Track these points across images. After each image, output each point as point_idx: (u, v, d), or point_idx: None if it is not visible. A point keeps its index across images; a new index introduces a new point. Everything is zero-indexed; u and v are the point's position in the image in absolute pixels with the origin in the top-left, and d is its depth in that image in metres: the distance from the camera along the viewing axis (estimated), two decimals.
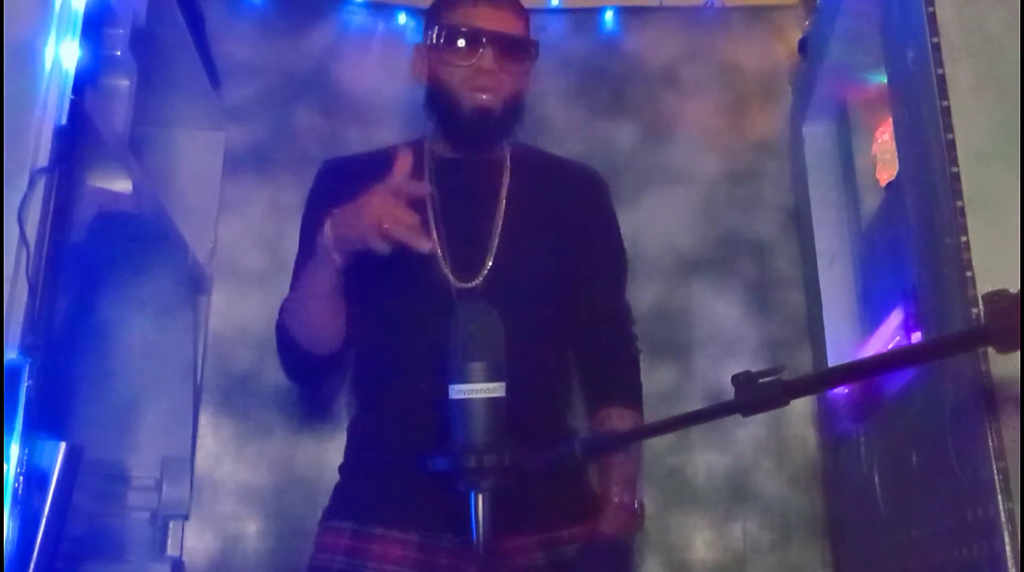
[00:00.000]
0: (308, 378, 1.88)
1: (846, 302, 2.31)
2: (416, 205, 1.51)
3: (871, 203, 2.20)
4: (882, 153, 2.15)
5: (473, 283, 1.65)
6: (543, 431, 1.55)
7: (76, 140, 1.50)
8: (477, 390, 1.14)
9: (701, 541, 2.46)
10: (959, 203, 1.44)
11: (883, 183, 2.12)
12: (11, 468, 1.30)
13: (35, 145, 1.44)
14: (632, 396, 1.76)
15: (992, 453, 1.34)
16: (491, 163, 1.77)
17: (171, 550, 2.34)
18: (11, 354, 1.35)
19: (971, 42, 1.51)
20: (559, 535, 1.61)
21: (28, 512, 1.31)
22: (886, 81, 1.89)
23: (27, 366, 1.35)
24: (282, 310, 1.69)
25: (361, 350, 1.71)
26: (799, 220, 2.60)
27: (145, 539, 2.29)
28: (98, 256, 1.84)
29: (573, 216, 1.77)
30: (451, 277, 1.65)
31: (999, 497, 1.31)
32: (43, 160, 1.44)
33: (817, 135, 2.47)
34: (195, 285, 2.41)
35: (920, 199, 1.63)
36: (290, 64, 2.71)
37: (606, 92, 2.76)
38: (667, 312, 2.58)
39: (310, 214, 1.72)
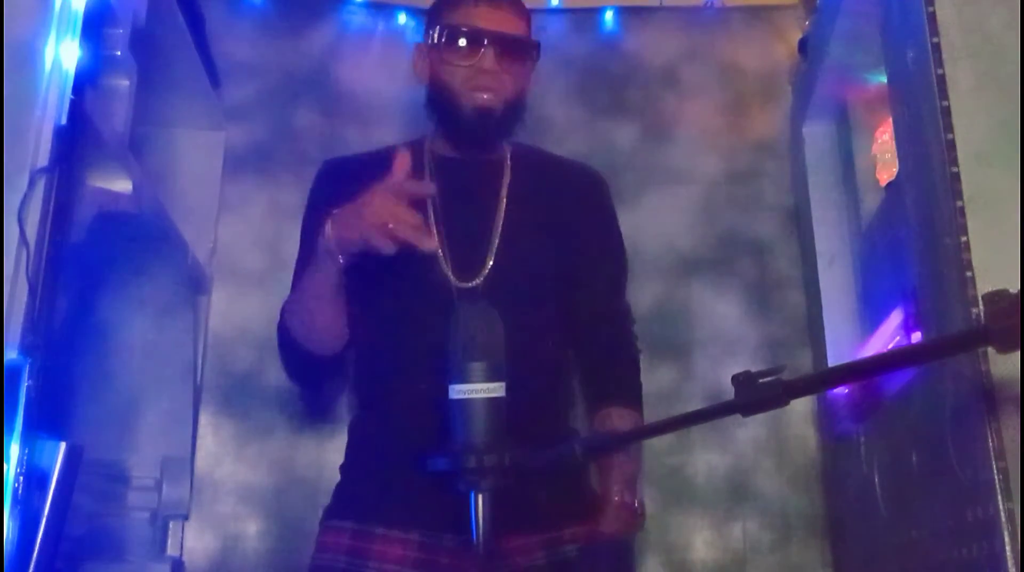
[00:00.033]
0: (310, 379, 1.88)
1: (846, 302, 2.31)
2: (417, 205, 1.50)
3: (871, 203, 2.20)
4: (882, 153, 2.15)
5: (473, 283, 1.65)
6: (543, 431, 1.55)
7: (76, 140, 1.50)
8: (477, 390, 1.14)
9: (701, 541, 2.46)
10: (959, 203, 1.44)
11: (883, 183, 2.12)
12: (11, 468, 1.30)
13: (35, 145, 1.44)
14: (632, 396, 1.75)
15: (992, 453, 1.34)
16: (491, 163, 1.77)
17: (171, 550, 2.34)
18: (11, 354, 1.35)
19: (971, 42, 1.51)
20: (560, 535, 1.61)
21: (28, 512, 1.31)
22: (886, 81, 1.89)
23: (27, 366, 1.35)
24: (283, 311, 1.69)
25: (361, 350, 1.71)
26: (799, 220, 2.60)
27: (145, 539, 2.29)
28: (98, 256, 1.84)
29: (573, 216, 1.77)
30: (451, 277, 1.64)
31: (999, 497, 1.31)
32: (43, 160, 1.44)
33: (817, 135, 2.47)
34: (195, 285, 2.41)
35: (920, 199, 1.63)
36: (290, 64, 2.72)
37: (606, 92, 2.76)
38: (667, 312, 2.58)
39: (310, 214, 1.72)
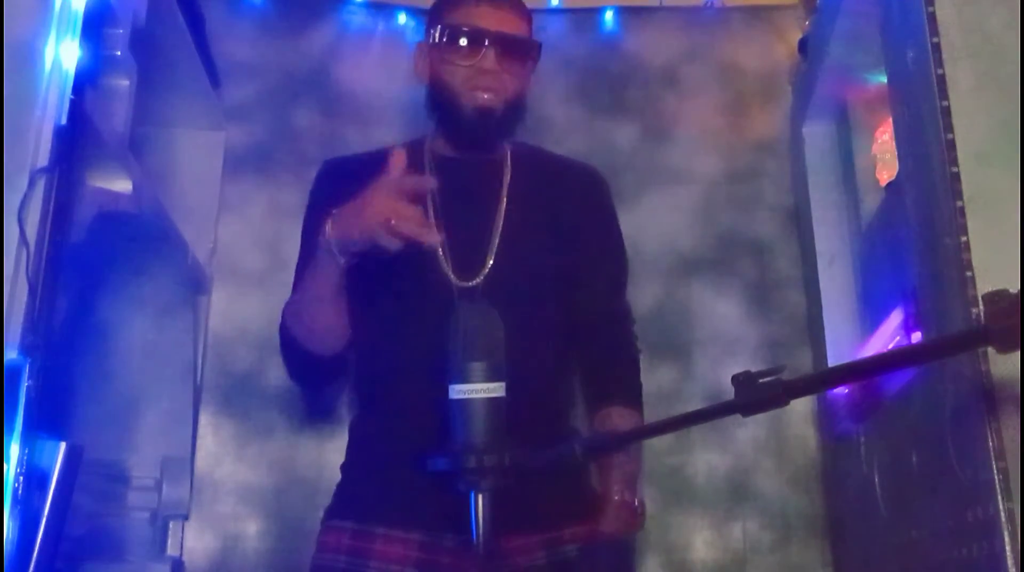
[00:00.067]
0: (312, 379, 1.87)
1: (846, 302, 2.31)
2: (417, 204, 1.50)
3: (871, 203, 2.20)
4: (882, 153, 2.16)
5: (474, 282, 1.65)
6: (543, 431, 1.55)
7: (76, 140, 1.50)
8: (477, 390, 1.13)
9: (701, 541, 2.46)
10: (959, 203, 1.44)
11: (883, 183, 2.12)
12: (11, 468, 1.30)
13: (35, 145, 1.45)
14: (632, 396, 1.75)
15: (992, 453, 1.34)
16: (492, 162, 1.76)
17: (171, 550, 2.34)
18: (11, 354, 1.35)
19: (971, 42, 1.51)
20: (560, 534, 1.61)
21: (28, 512, 1.31)
22: (886, 81, 1.89)
23: (27, 366, 1.35)
24: (285, 312, 1.69)
25: (362, 350, 1.71)
26: (799, 220, 2.60)
27: (145, 539, 2.29)
28: (98, 256, 1.84)
29: (574, 215, 1.77)
30: (452, 276, 1.64)
31: (999, 497, 1.31)
32: (43, 160, 1.44)
33: (817, 135, 2.47)
34: (195, 285, 2.41)
35: (920, 199, 1.63)
36: (290, 64, 2.72)
37: (606, 92, 2.77)
38: (667, 312, 2.58)
39: (311, 215, 1.72)
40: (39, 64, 1.47)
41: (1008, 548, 1.30)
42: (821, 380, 1.52)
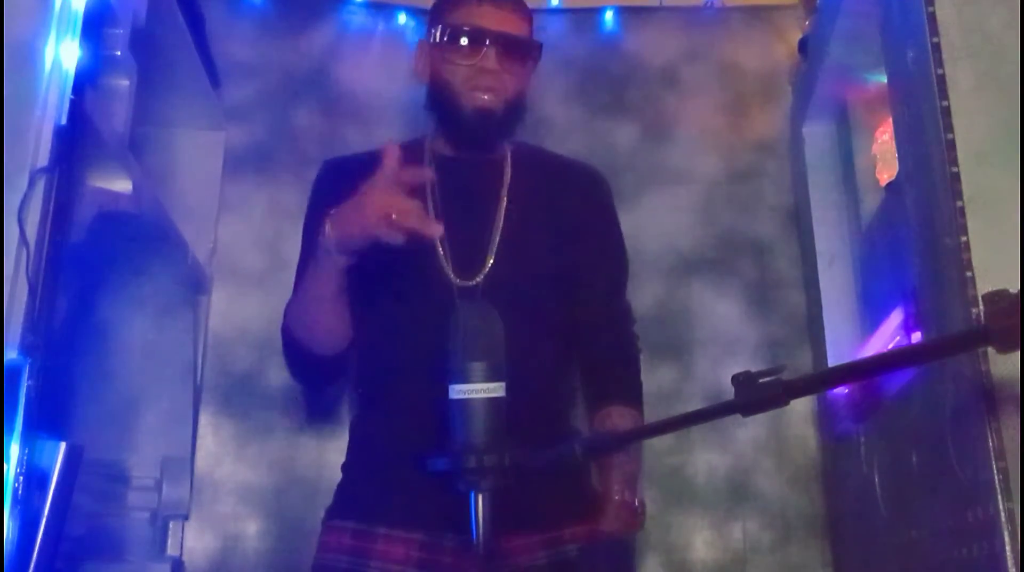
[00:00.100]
0: (314, 379, 1.87)
1: (846, 302, 2.31)
2: (415, 198, 1.49)
3: (871, 203, 2.20)
4: (882, 153, 2.16)
5: (474, 282, 1.65)
6: (543, 431, 1.55)
7: (76, 140, 1.50)
8: (477, 390, 1.13)
9: (701, 541, 2.46)
10: (959, 203, 1.44)
11: (883, 183, 2.12)
12: (11, 468, 1.30)
13: (35, 145, 1.44)
14: (632, 396, 1.75)
15: (992, 453, 1.34)
16: (492, 162, 1.76)
17: (171, 550, 2.34)
18: (11, 354, 1.35)
19: (971, 42, 1.51)
20: (560, 534, 1.61)
21: (28, 512, 1.31)
22: (886, 81, 1.89)
23: (27, 366, 1.35)
24: (286, 312, 1.69)
25: (362, 349, 1.71)
26: (799, 220, 2.60)
27: (145, 539, 2.29)
28: (98, 256, 1.84)
29: (574, 215, 1.77)
30: (452, 275, 1.64)
31: (999, 497, 1.31)
32: (43, 160, 1.44)
33: (817, 135, 2.47)
34: (195, 285, 2.41)
35: (920, 199, 1.63)
36: (290, 64, 2.72)
37: (606, 92, 2.77)
38: (667, 312, 2.59)
39: (312, 215, 1.72)
40: (39, 64, 1.47)
41: (1008, 548, 1.30)
42: (821, 380, 1.52)
